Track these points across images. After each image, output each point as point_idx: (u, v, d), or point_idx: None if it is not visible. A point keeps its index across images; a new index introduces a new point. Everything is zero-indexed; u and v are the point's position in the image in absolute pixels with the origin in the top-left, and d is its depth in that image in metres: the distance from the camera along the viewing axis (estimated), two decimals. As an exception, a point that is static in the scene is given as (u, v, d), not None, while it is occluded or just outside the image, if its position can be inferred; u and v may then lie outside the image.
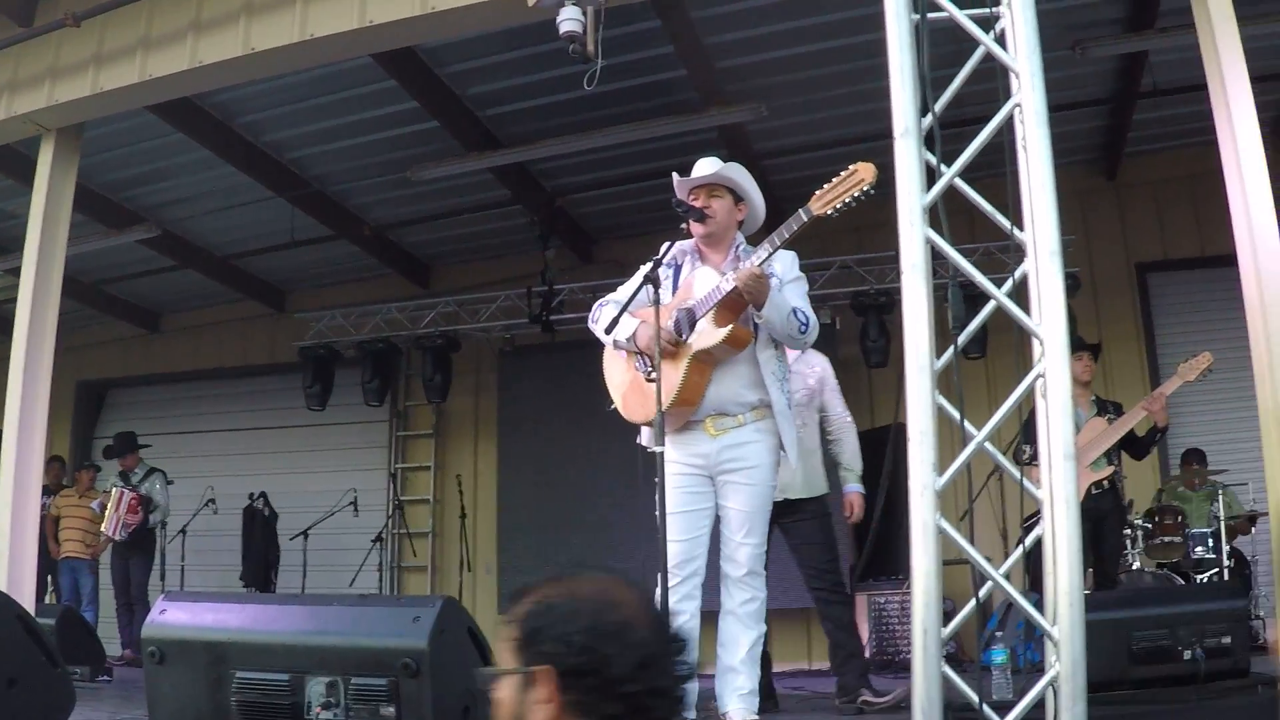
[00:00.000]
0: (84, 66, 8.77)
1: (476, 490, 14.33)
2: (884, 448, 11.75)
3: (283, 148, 11.74)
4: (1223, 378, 9.06)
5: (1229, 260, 5.66)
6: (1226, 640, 5.88)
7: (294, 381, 14.69)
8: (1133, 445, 9.03)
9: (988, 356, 10.76)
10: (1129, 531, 10.04)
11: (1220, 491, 10.43)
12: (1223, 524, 10.25)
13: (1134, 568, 10.04)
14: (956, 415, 3.46)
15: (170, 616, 4.06)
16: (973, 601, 3.50)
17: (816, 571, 7.53)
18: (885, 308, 11.80)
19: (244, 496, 14.52)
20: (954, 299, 3.50)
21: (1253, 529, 10.63)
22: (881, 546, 11.26)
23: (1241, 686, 5.72)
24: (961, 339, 3.50)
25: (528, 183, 12.36)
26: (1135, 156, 12.36)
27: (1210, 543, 10.26)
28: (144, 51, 8.49)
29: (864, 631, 11.61)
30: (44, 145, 9.16)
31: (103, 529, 12.66)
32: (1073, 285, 11.26)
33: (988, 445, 3.47)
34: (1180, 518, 10.37)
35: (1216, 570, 10.21)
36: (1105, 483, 8.82)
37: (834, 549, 7.62)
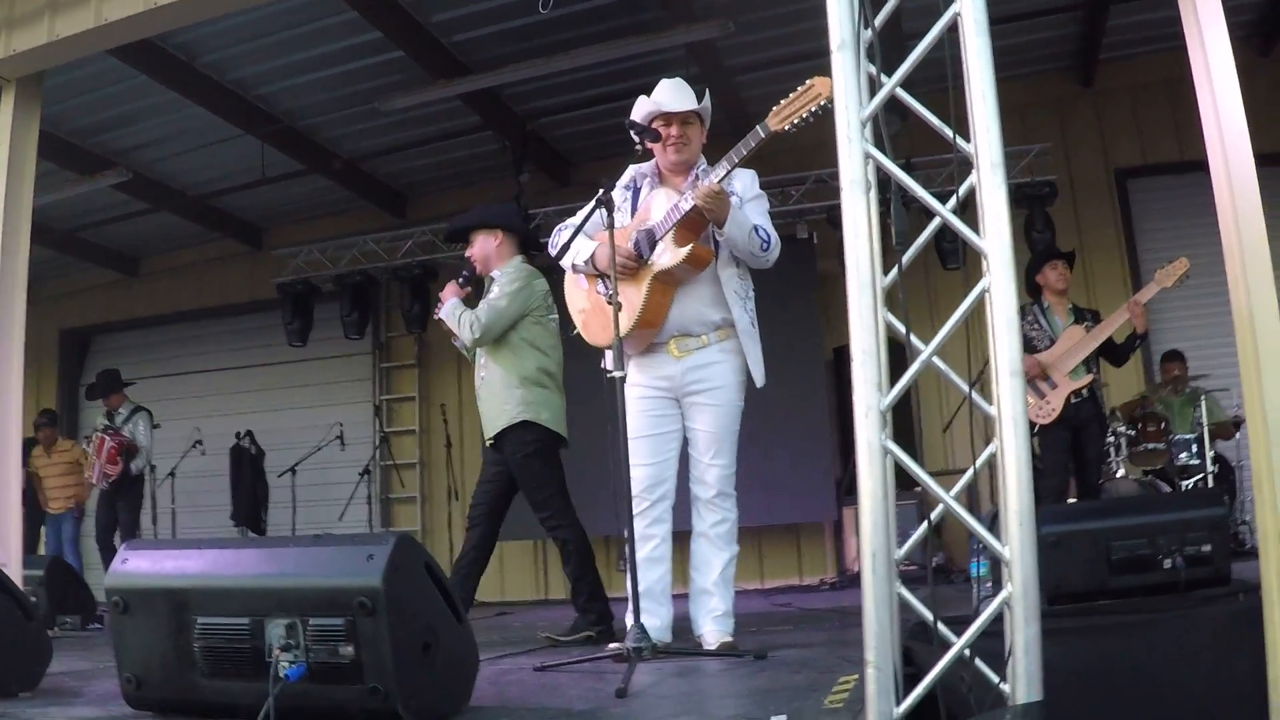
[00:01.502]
0: (39, 14, 8.66)
1: (462, 419, 14.35)
2: (868, 362, 11.87)
3: (248, 85, 11.66)
4: (1203, 282, 9.06)
5: (1208, 165, 5.63)
6: (1206, 548, 5.90)
7: (275, 319, 14.72)
8: (1112, 353, 9.00)
9: (966, 268, 10.71)
10: (1112, 439, 10.04)
11: (1203, 397, 10.41)
12: (1206, 430, 10.24)
13: (1118, 475, 10.04)
14: (903, 330, 3.44)
15: (132, 565, 4.03)
16: (924, 524, 3.48)
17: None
18: (865, 221, 11.72)
19: (231, 436, 14.58)
20: (896, 214, 3.47)
21: (1236, 434, 10.61)
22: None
23: (1222, 594, 5.73)
24: (906, 257, 3.47)
25: (499, 108, 12.26)
26: (1111, 62, 12.24)
27: (1194, 449, 10.26)
28: (100, -5, 8.42)
29: (852, 546, 11.69)
30: (4, 96, 9.06)
31: (85, 475, 12.64)
32: (1050, 193, 11.27)
33: (936, 360, 3.44)
34: (1163, 424, 10.36)
35: (1201, 476, 10.21)
36: (1084, 391, 8.80)
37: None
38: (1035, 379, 8.81)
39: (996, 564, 6.82)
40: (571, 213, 11.87)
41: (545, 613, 10.79)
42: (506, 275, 7.37)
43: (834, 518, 12.18)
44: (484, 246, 7.50)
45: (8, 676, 4.87)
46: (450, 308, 7.34)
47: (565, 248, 5.76)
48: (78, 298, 16.90)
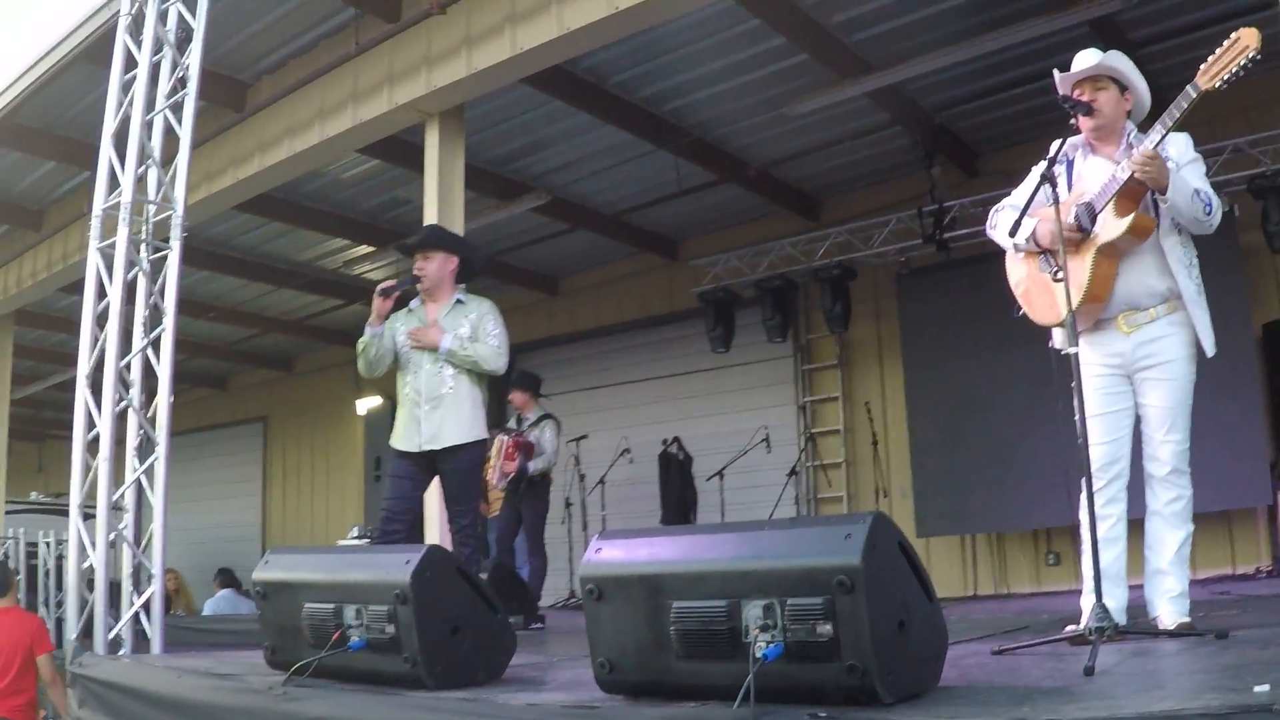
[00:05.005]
0: (456, 50, 9.17)
1: (886, 415, 14.37)
2: (1292, 337, 11.30)
3: (659, 101, 11.95)
4: None
5: None
6: None
7: (694, 327, 15.13)
8: None
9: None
10: None
11: None
12: None
13: None
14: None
15: (606, 555, 4.19)
16: None
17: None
18: (1286, 187, 11.26)
19: (658, 443, 15.00)
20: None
21: None
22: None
23: None
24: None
25: (904, 103, 12.21)
26: None
27: None
28: (511, 27, 8.81)
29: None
30: (429, 130, 9.63)
31: (486, 476, 12.14)
32: None
33: None
34: None
35: None
36: None
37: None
38: None
39: None
40: (983, 203, 11.95)
41: (976, 605, 10.71)
42: (485, 304, 7.92)
43: (1269, 502, 11.56)
44: (443, 268, 7.85)
45: (476, 666, 5.13)
46: (455, 340, 7.67)
47: (1016, 226, 5.70)
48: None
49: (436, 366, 7.65)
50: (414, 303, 7.94)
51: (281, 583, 5.54)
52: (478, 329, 7.72)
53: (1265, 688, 3.26)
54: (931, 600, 3.93)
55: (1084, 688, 3.83)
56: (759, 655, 3.63)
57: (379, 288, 7.67)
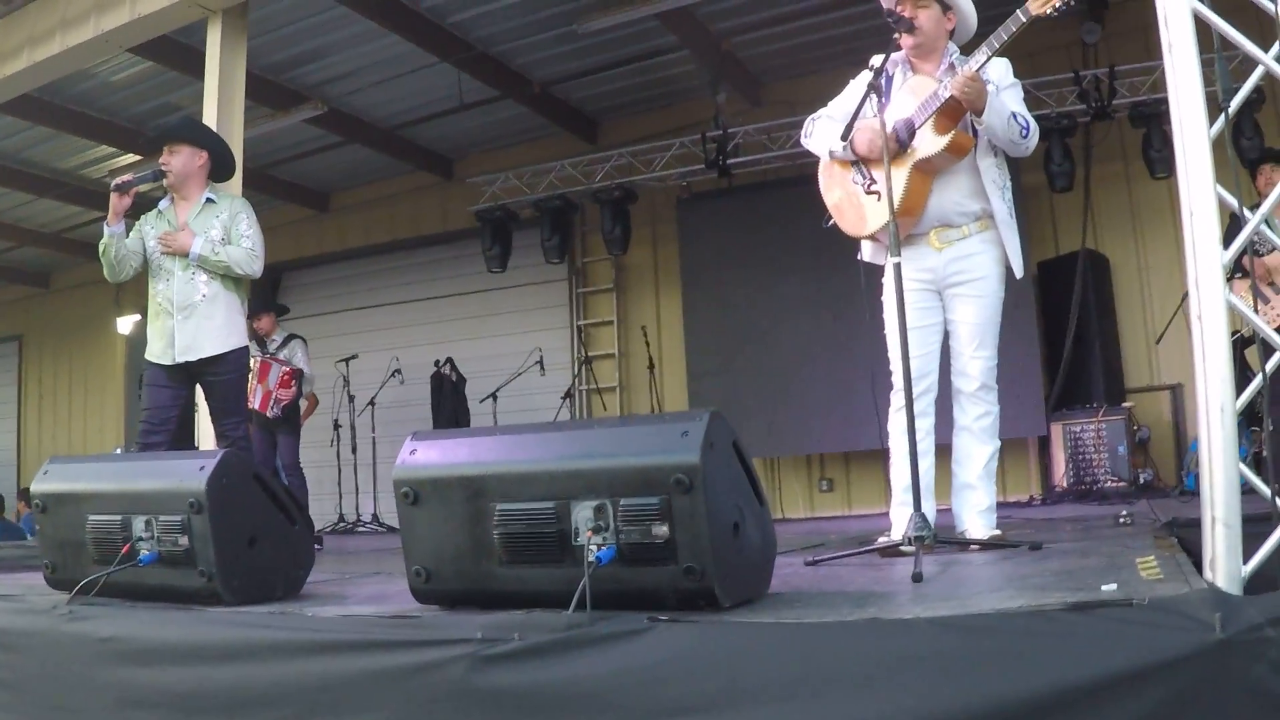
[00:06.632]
0: (242, -62, 8.79)
1: (661, 340, 14.40)
2: (1072, 276, 11.60)
3: (444, 11, 11.69)
4: None
5: None
6: None
7: (469, 248, 15.00)
8: None
9: (1173, 178, 10.46)
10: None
11: None
12: None
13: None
14: (1231, 201, 3.33)
15: (421, 456, 4.01)
16: (1259, 378, 3.35)
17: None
18: (1067, 130, 11.60)
19: (430, 364, 14.77)
20: (1220, 71, 3.36)
21: None
22: (1073, 375, 11.13)
23: None
24: (1233, 105, 3.35)
25: (694, 27, 12.11)
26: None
27: None
28: (301, -85, 8.49)
29: (1060, 462, 11.47)
30: (210, 27, 9.18)
31: (251, 404, 11.22)
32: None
33: (1264, 227, 3.33)
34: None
35: None
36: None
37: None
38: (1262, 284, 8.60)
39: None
40: (766, 131, 11.94)
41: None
42: (238, 203, 7.64)
43: (1043, 433, 11.94)
44: (190, 162, 7.47)
45: (274, 580, 4.92)
46: (206, 244, 7.30)
47: (848, 132, 5.62)
48: (267, 235, 17.06)
49: (188, 273, 7.27)
50: (163, 203, 7.52)
51: (62, 494, 5.16)
52: (230, 230, 7.38)
53: (1113, 586, 3.28)
54: (762, 503, 3.88)
55: (920, 591, 3.82)
56: (592, 558, 3.52)
57: (114, 183, 7.18)
